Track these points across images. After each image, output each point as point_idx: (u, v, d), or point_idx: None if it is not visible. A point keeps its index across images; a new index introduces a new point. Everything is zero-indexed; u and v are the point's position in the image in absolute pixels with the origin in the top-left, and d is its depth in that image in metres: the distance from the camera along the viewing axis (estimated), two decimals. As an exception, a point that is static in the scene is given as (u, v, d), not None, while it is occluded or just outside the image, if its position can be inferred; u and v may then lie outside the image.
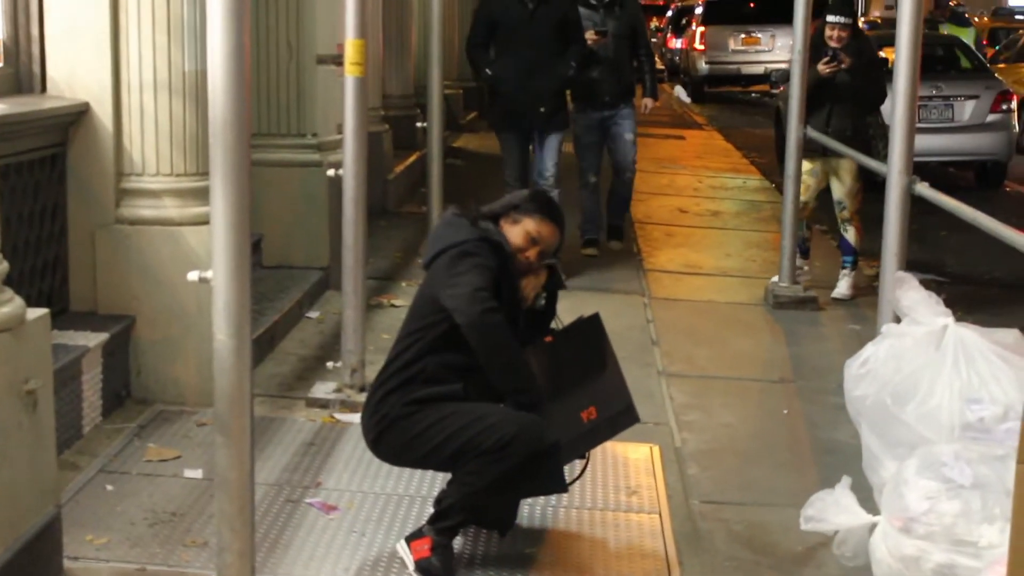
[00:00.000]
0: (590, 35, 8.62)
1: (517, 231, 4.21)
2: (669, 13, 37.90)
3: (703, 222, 11.13)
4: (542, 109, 8.27)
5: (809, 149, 8.11)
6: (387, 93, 11.74)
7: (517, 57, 8.21)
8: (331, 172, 5.97)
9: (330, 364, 5.97)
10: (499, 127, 8.63)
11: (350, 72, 5.63)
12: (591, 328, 4.38)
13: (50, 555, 3.83)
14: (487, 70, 8.37)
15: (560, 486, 4.16)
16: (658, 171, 13.90)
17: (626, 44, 9.08)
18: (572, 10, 8.46)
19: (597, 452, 5.27)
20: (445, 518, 4.09)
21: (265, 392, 5.79)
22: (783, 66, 11.45)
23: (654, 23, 38.25)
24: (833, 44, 8.04)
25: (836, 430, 5.68)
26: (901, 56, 5.47)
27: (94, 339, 5.15)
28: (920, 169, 5.71)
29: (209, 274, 3.45)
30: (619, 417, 4.40)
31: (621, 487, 4.96)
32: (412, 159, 11.80)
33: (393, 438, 4.11)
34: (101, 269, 5.48)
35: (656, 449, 5.37)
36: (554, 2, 8.25)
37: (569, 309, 4.53)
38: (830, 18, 8.08)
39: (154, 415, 5.39)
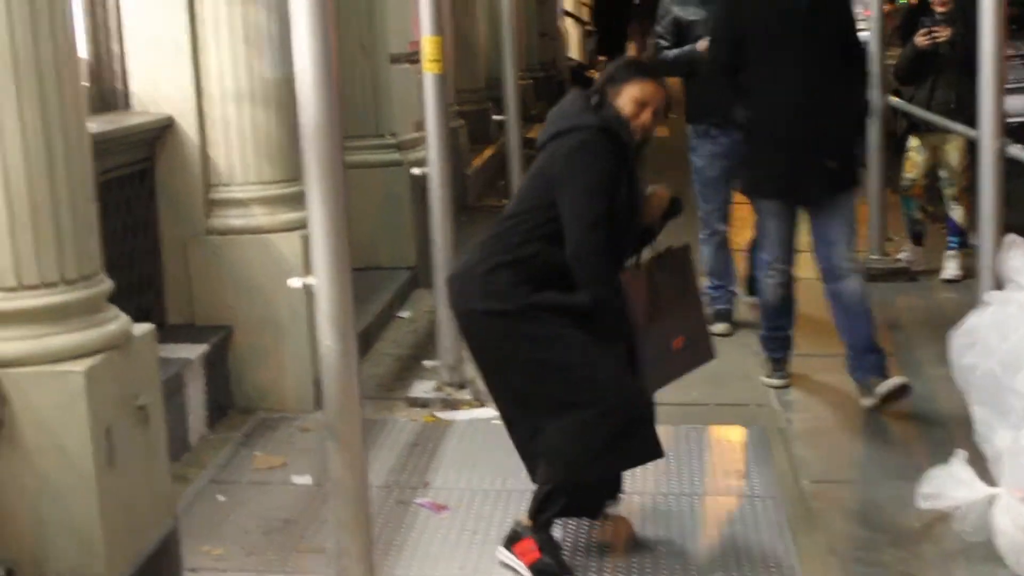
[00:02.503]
0: (703, 44, 6.45)
1: (623, 100, 4.12)
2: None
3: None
4: (828, 163, 5.60)
5: (914, 122, 7.87)
6: (459, 87, 11.74)
7: (786, 86, 5.57)
8: (416, 171, 5.97)
9: (427, 363, 5.97)
10: (758, 191, 5.87)
11: (428, 69, 5.62)
12: (682, 258, 4.34)
13: (171, 568, 3.86)
14: (740, 109, 5.83)
15: (657, 452, 4.08)
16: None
17: None
18: (847, 13, 5.90)
19: (704, 436, 5.27)
20: (544, 509, 4.05)
21: (365, 394, 5.73)
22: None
23: None
24: (939, 9, 7.61)
25: (941, 402, 5.59)
26: (986, 14, 5.34)
27: (194, 351, 5.19)
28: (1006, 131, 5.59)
29: (312, 280, 3.44)
30: (702, 351, 4.38)
31: (731, 471, 4.92)
32: (488, 153, 11.81)
33: (496, 331, 4.01)
34: (195, 280, 5.53)
35: (762, 431, 5.32)
36: (834, 3, 5.78)
37: None
38: None
39: (257, 423, 5.43)
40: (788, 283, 5.86)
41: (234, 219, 5.50)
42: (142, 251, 5.39)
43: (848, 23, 5.80)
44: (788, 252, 5.81)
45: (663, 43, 6.81)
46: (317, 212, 3.38)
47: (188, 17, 5.36)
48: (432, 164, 5.68)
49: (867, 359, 5.66)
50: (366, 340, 6.45)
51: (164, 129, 5.42)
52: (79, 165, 3.53)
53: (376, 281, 7.28)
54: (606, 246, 3.95)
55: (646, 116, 4.12)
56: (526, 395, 4.05)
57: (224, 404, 5.49)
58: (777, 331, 5.96)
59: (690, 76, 6.76)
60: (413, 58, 7.18)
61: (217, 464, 4.99)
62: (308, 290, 3.48)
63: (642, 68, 4.30)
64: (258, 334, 5.51)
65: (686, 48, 6.68)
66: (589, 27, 27.26)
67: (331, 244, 3.38)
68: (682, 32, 6.74)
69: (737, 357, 6.28)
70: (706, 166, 6.84)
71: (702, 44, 6.46)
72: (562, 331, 3.95)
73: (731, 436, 5.26)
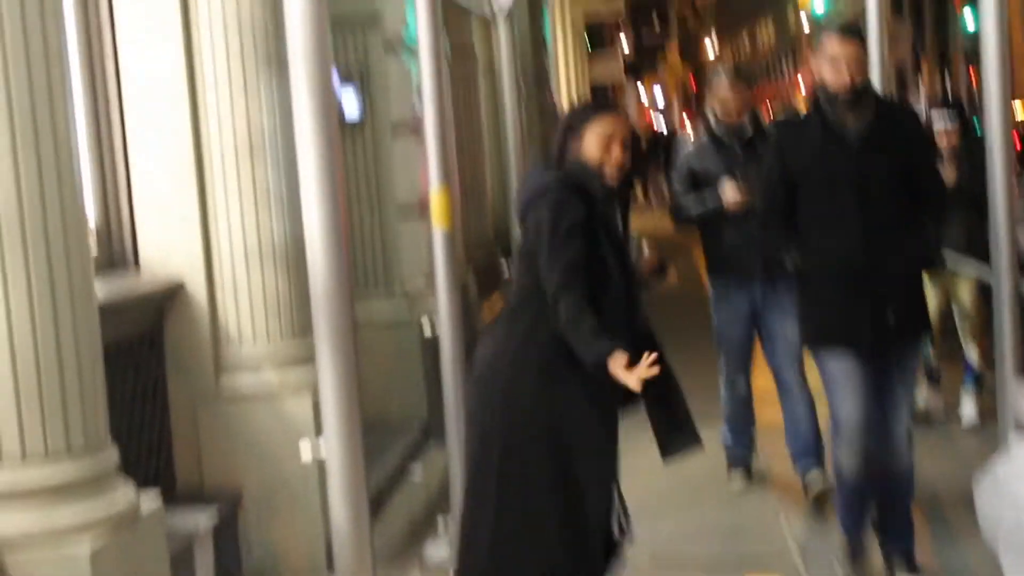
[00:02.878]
0: (730, 190, 6.24)
1: (588, 144, 4.08)
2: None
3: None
4: (890, 313, 5.03)
5: None
6: (467, 240, 11.75)
7: (841, 229, 5.04)
8: (427, 330, 5.92)
9: (440, 521, 5.84)
10: (819, 342, 5.24)
11: (438, 225, 5.58)
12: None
13: None
14: (792, 254, 5.28)
15: None
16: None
17: None
18: (919, 137, 5.41)
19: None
20: None
21: (378, 557, 5.65)
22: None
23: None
24: (944, 147, 7.37)
25: (966, 552, 5.43)
26: (993, 141, 5.26)
27: (204, 520, 5.06)
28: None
29: (322, 452, 3.35)
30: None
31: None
32: (498, 302, 11.75)
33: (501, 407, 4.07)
34: (205, 445, 5.43)
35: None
36: (892, 128, 5.12)
37: None
38: (938, 124, 7.46)
39: (268, 591, 5.28)
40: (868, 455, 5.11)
41: (244, 381, 5.43)
42: (151, 416, 5.30)
43: (913, 154, 5.15)
44: (863, 415, 5.06)
45: (679, 188, 6.66)
46: (328, 379, 3.30)
47: (197, 179, 5.36)
48: (442, 321, 5.61)
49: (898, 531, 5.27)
50: (377, 499, 6.31)
51: (173, 292, 5.37)
52: (86, 334, 3.48)
53: (386, 435, 7.16)
54: (581, 291, 3.92)
55: (616, 151, 4.08)
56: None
57: (234, 572, 5.35)
58: (858, 510, 5.26)
59: (708, 227, 6.50)
60: (422, 211, 7.20)
61: (229, 639, 4.84)
62: (318, 462, 3.38)
63: (597, 104, 4.36)
64: (269, 498, 5.39)
65: (707, 200, 6.37)
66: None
67: (341, 412, 3.30)
68: (699, 185, 6.47)
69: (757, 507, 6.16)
70: (727, 326, 6.58)
71: (728, 192, 6.22)
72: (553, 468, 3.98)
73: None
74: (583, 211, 3.98)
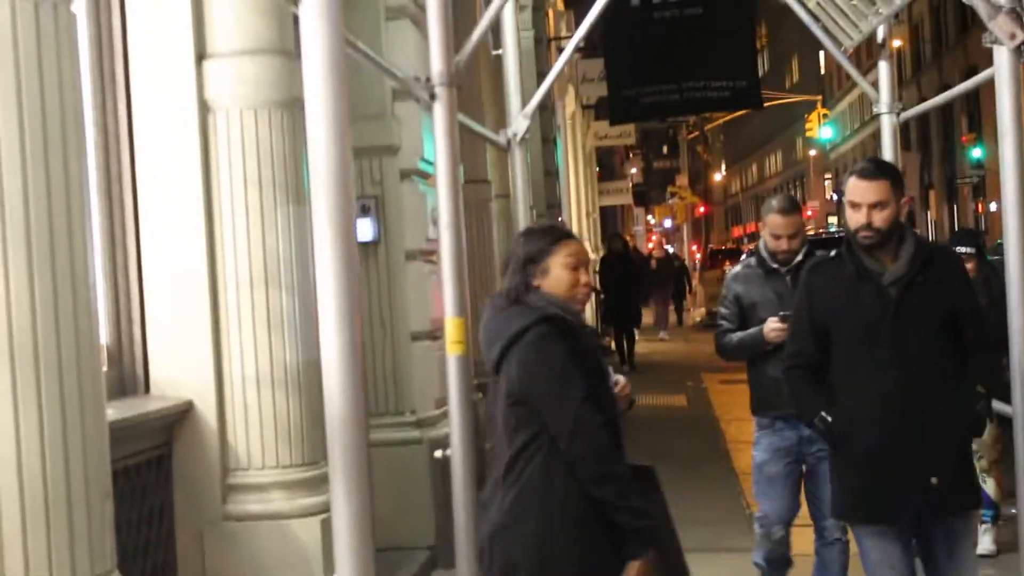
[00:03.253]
0: (773, 324, 5.77)
1: (555, 275, 3.87)
2: (743, 256, 38.23)
3: (808, 468, 10.81)
4: (934, 480, 4.46)
5: None
6: (477, 359, 11.74)
7: (877, 386, 4.52)
8: (438, 454, 5.87)
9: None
10: (853, 517, 4.82)
11: (452, 351, 5.54)
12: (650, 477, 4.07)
13: None
14: (823, 414, 4.63)
15: None
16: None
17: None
18: (965, 290, 4.79)
19: None
20: None
21: None
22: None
23: (728, 266, 38.41)
24: None
25: None
26: (1013, 290, 5.25)
27: (208, 645, 4.99)
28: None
29: (336, 583, 3.28)
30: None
31: None
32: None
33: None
34: (211, 569, 5.36)
35: None
36: (931, 272, 4.60)
37: None
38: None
39: None
40: None
41: (252, 504, 5.38)
42: (156, 540, 5.24)
43: (956, 299, 4.64)
44: None
45: (725, 324, 6.16)
46: (342, 510, 3.25)
47: (210, 302, 5.37)
48: (455, 446, 5.54)
49: None
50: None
51: (183, 414, 5.35)
52: (96, 460, 3.45)
53: (395, 561, 7.08)
54: (603, 434, 3.73)
55: (583, 275, 3.91)
56: None
57: None
58: None
59: (755, 360, 6.01)
60: (434, 335, 7.19)
61: None
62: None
63: (555, 230, 4.09)
64: (275, 625, 5.31)
65: (752, 331, 5.95)
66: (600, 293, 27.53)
67: (356, 545, 3.24)
68: (745, 312, 6.07)
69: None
70: (767, 461, 6.02)
71: (770, 325, 5.80)
72: None
73: None
74: (571, 347, 3.79)
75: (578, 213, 24.50)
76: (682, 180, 70.30)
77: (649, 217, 69.11)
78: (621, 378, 4.13)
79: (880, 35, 7.21)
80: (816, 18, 7.24)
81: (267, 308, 5.37)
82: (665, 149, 76.26)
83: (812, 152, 65.55)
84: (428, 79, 5.27)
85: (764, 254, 6.11)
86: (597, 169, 35.47)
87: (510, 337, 3.83)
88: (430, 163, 8.26)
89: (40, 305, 3.28)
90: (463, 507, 5.55)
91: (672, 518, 4.11)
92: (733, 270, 6.53)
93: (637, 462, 4.01)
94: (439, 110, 5.36)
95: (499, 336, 3.90)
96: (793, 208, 6.15)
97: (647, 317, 26.82)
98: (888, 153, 7.01)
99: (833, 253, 4.77)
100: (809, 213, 64.07)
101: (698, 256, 50.12)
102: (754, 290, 6.09)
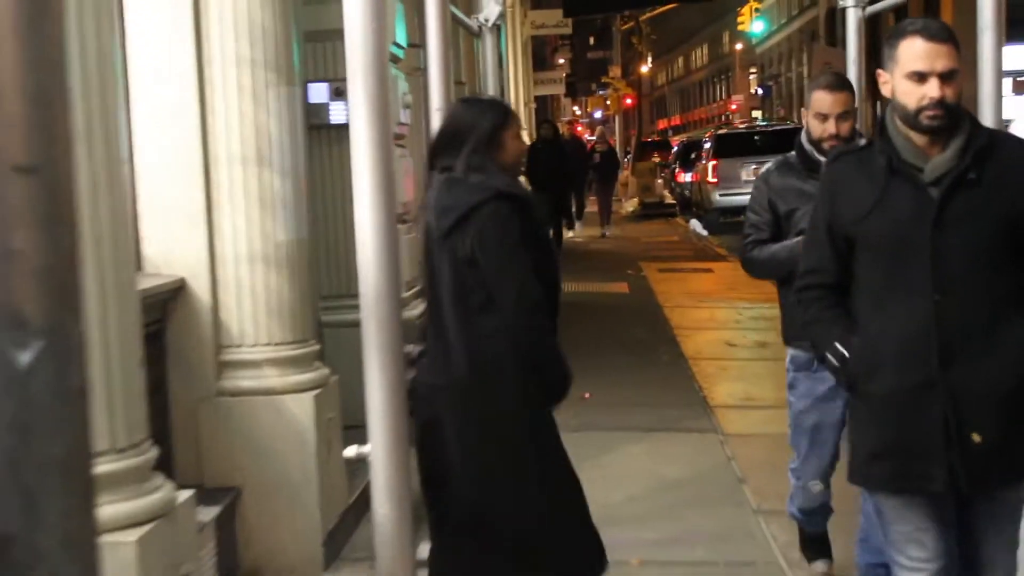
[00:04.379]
0: None
1: (511, 149, 4.17)
2: (674, 148, 38.42)
3: (753, 354, 11.08)
4: (976, 438, 3.39)
5: None
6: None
7: (908, 312, 3.46)
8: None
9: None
10: (867, 479, 3.66)
11: (441, 232, 5.63)
12: None
13: None
14: (837, 345, 3.55)
15: None
16: (696, 305, 13.92)
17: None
18: None
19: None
20: None
21: (369, 555, 5.68)
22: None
23: (656, 158, 38.60)
24: None
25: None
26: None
27: (207, 513, 5.06)
28: None
29: (367, 448, 3.39)
30: None
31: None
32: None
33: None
34: (205, 442, 5.44)
35: (774, 591, 5.26)
36: (993, 178, 3.45)
37: (648, 452, 4.34)
38: None
39: (265, 586, 5.30)
40: None
41: (245, 380, 5.44)
42: (152, 413, 5.28)
43: (1020, 210, 3.47)
44: (949, 559, 3.52)
45: (755, 234, 4.95)
46: (375, 379, 3.34)
47: (203, 181, 5.37)
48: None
49: None
50: (366, 500, 6.34)
51: (176, 291, 5.38)
52: (130, 332, 3.50)
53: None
54: (539, 306, 3.98)
55: (521, 144, 4.36)
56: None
57: (232, 566, 5.36)
58: None
59: (790, 282, 4.24)
60: (404, 218, 7.23)
61: (231, 630, 4.86)
62: (363, 457, 3.42)
63: (501, 102, 4.46)
64: (268, 496, 5.40)
65: (788, 243, 4.81)
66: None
67: (389, 412, 3.34)
68: (780, 220, 4.92)
69: (734, 515, 6.26)
70: (805, 411, 5.01)
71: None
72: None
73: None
74: (522, 224, 3.99)
75: (516, 102, 24.44)
76: (615, 71, 70.10)
77: (575, 108, 68.89)
78: None
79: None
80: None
81: (259, 187, 5.38)
82: (592, 40, 75.76)
83: (739, 46, 65.59)
84: (422, -38, 5.29)
85: (807, 146, 4.89)
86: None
87: (466, 209, 3.98)
88: (400, 47, 8.26)
89: (84, 185, 3.30)
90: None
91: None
92: (766, 166, 5.25)
93: None
94: (431, -6, 5.38)
95: (455, 206, 4.01)
96: (842, 84, 4.94)
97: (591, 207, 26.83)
98: (852, 49, 7.08)
99: (863, 142, 3.76)
100: (733, 107, 64.33)
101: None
102: (792, 192, 4.88)
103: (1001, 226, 3.43)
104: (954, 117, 3.40)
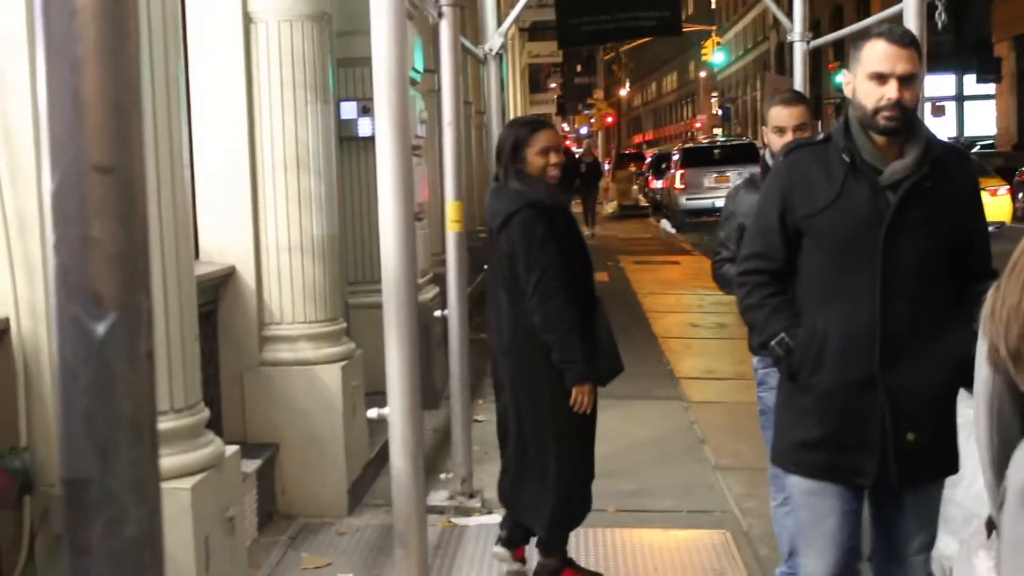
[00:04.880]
0: None
1: (533, 163, 4.28)
2: (647, 159, 38.34)
3: (714, 333, 11.07)
4: (910, 436, 3.04)
5: None
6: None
7: (854, 308, 3.05)
8: (437, 313, 5.95)
9: (442, 476, 5.86)
10: (794, 464, 3.20)
11: (451, 229, 5.63)
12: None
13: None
14: (782, 336, 3.12)
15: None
16: (665, 292, 13.91)
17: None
18: (977, 203, 3.26)
19: (678, 539, 5.19)
20: (550, 543, 4.47)
21: (386, 502, 5.67)
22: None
23: (633, 168, 38.53)
24: None
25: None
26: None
27: (249, 466, 5.06)
28: None
29: (386, 411, 3.38)
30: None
31: (708, 569, 4.84)
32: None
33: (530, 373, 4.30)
34: (249, 404, 5.43)
35: (729, 534, 5.25)
36: (944, 187, 3.09)
37: (623, 416, 4.28)
38: None
39: (300, 527, 5.28)
40: None
41: (283, 352, 5.43)
42: (205, 380, 5.26)
43: (967, 223, 3.17)
44: (851, 555, 3.16)
45: (723, 251, 4.33)
46: (394, 354, 3.34)
47: (251, 184, 5.36)
48: (452, 307, 5.66)
49: None
50: (384, 454, 6.33)
51: (227, 276, 5.37)
52: (188, 310, 3.49)
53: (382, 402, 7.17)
54: (558, 296, 4.18)
55: (554, 158, 4.31)
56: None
57: (271, 510, 5.36)
58: None
59: None
60: (419, 216, 7.20)
61: (270, 563, 4.84)
62: (383, 418, 3.42)
63: (533, 122, 4.49)
64: (302, 451, 5.40)
65: None
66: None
67: (405, 378, 3.34)
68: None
69: (697, 471, 6.25)
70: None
71: None
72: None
73: (703, 539, 5.19)
74: (550, 225, 4.23)
75: (514, 120, 24.38)
76: (599, 94, 69.98)
77: (565, 125, 68.76)
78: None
79: (797, -26, 7.23)
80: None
81: (298, 189, 5.37)
82: (579, 67, 75.59)
83: (703, 74, 65.42)
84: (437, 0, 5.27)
85: (770, 161, 4.19)
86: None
87: (506, 215, 4.27)
88: (418, 71, 8.22)
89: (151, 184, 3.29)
90: (457, 356, 5.68)
91: (613, 336, 4.53)
92: (735, 183, 4.80)
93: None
94: (445, 27, 5.37)
95: (498, 212, 4.32)
96: (798, 98, 4.38)
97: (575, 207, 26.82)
98: (799, 76, 7.08)
99: (821, 136, 3.23)
100: (698, 125, 64.15)
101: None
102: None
103: (949, 236, 3.09)
104: (909, 121, 3.04)
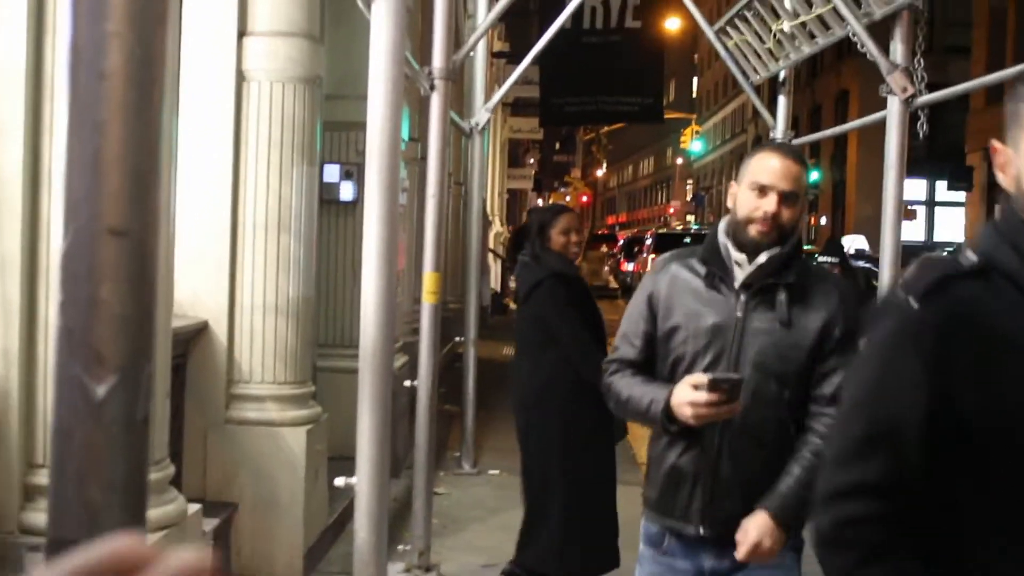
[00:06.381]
0: (698, 385, 2.69)
1: (556, 241, 4.96)
2: (620, 242, 38.58)
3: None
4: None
5: None
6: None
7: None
8: (407, 383, 5.92)
9: (400, 547, 5.79)
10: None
11: (427, 299, 5.63)
12: None
13: None
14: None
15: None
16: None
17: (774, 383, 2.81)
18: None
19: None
20: None
21: (341, 569, 5.60)
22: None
23: (604, 248, 38.70)
24: None
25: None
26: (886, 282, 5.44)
27: (208, 524, 4.98)
28: None
29: (354, 480, 3.36)
30: None
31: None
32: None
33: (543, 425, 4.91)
34: (211, 462, 5.36)
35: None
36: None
37: None
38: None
39: (253, 590, 5.20)
40: None
41: (250, 412, 5.38)
42: (169, 436, 5.21)
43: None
44: None
45: (624, 351, 2.91)
46: (367, 424, 3.32)
47: (231, 239, 5.34)
48: (422, 379, 5.63)
49: None
50: (342, 522, 6.26)
51: (199, 331, 5.33)
52: (163, 361, 3.45)
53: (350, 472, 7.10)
54: (587, 345, 4.79)
55: (574, 237, 5.03)
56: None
57: (226, 570, 5.27)
58: None
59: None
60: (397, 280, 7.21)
61: (221, 626, 4.75)
62: (350, 487, 3.39)
63: (556, 207, 5.21)
64: (261, 512, 5.32)
65: (651, 391, 2.79)
66: (508, 263, 27.62)
67: (376, 450, 3.32)
68: (654, 344, 2.86)
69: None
70: None
71: (698, 386, 2.82)
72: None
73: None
74: (571, 293, 4.92)
75: (492, 192, 24.51)
76: (576, 173, 70.62)
77: (540, 201, 69.21)
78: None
79: (782, 76, 7.38)
80: (732, 56, 7.39)
81: (277, 248, 5.36)
82: (558, 145, 76.31)
83: (679, 161, 66.19)
84: (430, 71, 5.32)
85: (721, 237, 2.92)
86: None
87: (534, 283, 4.95)
88: (403, 140, 8.27)
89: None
90: (424, 427, 5.64)
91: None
92: (663, 256, 3.17)
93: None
94: (436, 99, 5.42)
95: (528, 280, 5.01)
96: (795, 155, 2.99)
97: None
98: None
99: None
100: (671, 211, 64.76)
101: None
102: (688, 299, 2.92)
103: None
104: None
